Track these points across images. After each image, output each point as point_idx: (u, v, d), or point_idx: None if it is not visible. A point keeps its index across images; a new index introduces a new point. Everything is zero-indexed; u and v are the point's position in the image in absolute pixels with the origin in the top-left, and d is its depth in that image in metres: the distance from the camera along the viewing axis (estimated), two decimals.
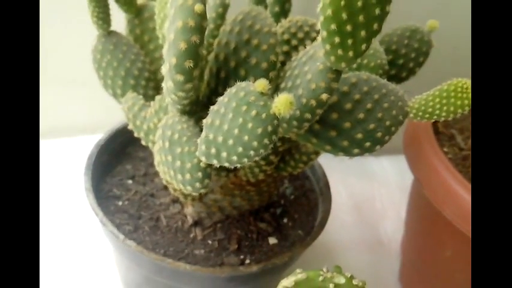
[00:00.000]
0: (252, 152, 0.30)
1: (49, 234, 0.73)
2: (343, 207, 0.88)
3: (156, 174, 0.64)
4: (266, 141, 0.29)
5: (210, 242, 0.56)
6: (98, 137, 0.63)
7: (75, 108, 0.93)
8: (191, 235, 0.56)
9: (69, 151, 0.86)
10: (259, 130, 0.29)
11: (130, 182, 0.62)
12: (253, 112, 0.29)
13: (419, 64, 0.50)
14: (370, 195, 0.92)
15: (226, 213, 0.57)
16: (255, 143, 0.30)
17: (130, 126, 0.49)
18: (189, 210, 0.57)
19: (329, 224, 0.61)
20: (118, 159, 0.64)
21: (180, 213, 0.58)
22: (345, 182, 0.91)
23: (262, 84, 0.28)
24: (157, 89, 0.57)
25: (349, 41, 0.27)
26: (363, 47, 0.28)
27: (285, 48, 0.41)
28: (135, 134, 0.49)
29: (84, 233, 0.74)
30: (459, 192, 0.55)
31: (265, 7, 0.48)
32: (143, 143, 0.50)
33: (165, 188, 0.61)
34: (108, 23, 0.54)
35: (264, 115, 0.28)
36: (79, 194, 0.74)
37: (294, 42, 0.41)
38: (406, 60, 0.49)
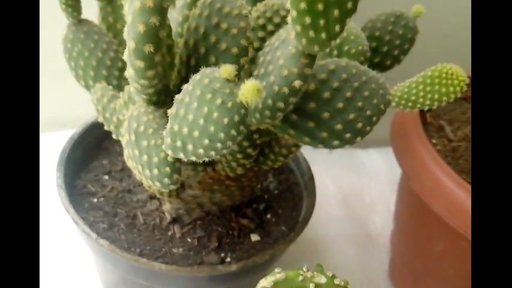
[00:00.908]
0: (218, 144, 0.28)
1: None
2: (330, 200, 0.86)
3: None
4: (233, 132, 0.27)
5: (189, 239, 0.54)
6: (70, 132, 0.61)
7: (54, 103, 0.90)
8: (169, 233, 0.54)
9: (48, 146, 0.83)
10: (226, 120, 0.26)
11: (106, 177, 0.59)
12: (219, 100, 0.26)
13: (405, 51, 0.48)
14: (359, 189, 0.90)
15: (205, 209, 0.55)
16: (221, 135, 0.27)
17: (99, 119, 0.46)
18: (166, 207, 0.54)
19: (316, 218, 0.58)
20: (94, 154, 0.62)
21: (158, 210, 0.56)
22: (332, 174, 0.89)
23: (227, 69, 0.26)
24: None
25: (321, 22, 0.25)
26: (337, 28, 0.26)
27: (261, 34, 0.38)
28: (105, 127, 0.47)
29: (61, 231, 0.71)
30: (448, 185, 0.53)
31: None
32: (114, 136, 0.47)
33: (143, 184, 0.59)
34: (78, 10, 0.51)
35: (230, 104, 0.26)
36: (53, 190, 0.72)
37: (270, 27, 0.38)
38: (390, 48, 0.47)
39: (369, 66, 0.39)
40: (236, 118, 0.26)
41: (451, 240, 0.57)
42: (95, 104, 0.46)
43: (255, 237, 0.56)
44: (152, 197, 0.57)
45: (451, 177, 0.53)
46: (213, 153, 0.29)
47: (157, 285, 0.51)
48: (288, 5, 0.40)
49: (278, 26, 0.38)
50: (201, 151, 0.29)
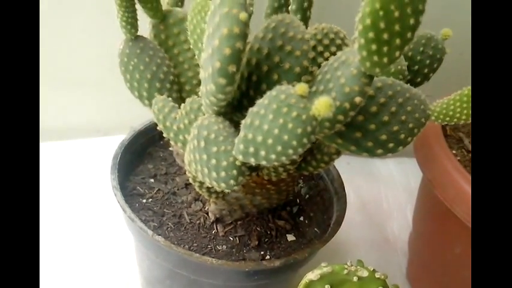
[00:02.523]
0: (290, 151, 0.33)
1: (66, 234, 0.75)
2: (351, 207, 0.90)
3: (177, 173, 0.66)
4: (305, 140, 0.32)
5: (231, 238, 0.59)
6: (111, 138, 0.65)
7: (88, 110, 0.95)
8: (213, 231, 0.59)
9: (84, 152, 0.88)
10: (299, 130, 0.31)
11: (152, 180, 0.64)
12: (294, 113, 0.31)
13: (433, 70, 0.53)
14: (377, 196, 0.95)
15: (246, 211, 0.60)
16: (294, 142, 0.32)
17: (159, 127, 0.51)
18: (211, 207, 0.59)
19: None
20: (140, 159, 0.67)
21: (201, 210, 0.61)
22: (352, 183, 0.94)
23: (302, 87, 0.31)
24: (180, 92, 0.60)
25: (385, 49, 0.30)
26: (397, 54, 0.31)
27: (312, 54, 0.43)
28: (165, 135, 0.52)
29: (105, 229, 0.76)
30: (469, 191, 0.58)
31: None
32: (172, 143, 0.52)
33: (186, 186, 0.64)
34: (135, 27, 0.56)
35: (304, 116, 0.31)
36: (97, 193, 0.77)
37: (320, 48, 0.44)
38: (421, 66, 0.52)
39: None
40: (309, 129, 0.31)
41: (470, 243, 0.62)
42: (156, 113, 0.51)
43: (290, 237, 0.60)
44: (196, 199, 0.62)
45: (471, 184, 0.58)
46: (284, 158, 0.34)
47: (204, 278, 0.56)
48: (336, 29, 0.45)
49: (327, 47, 0.44)
50: (273, 156, 0.34)
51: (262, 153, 0.35)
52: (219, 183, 0.41)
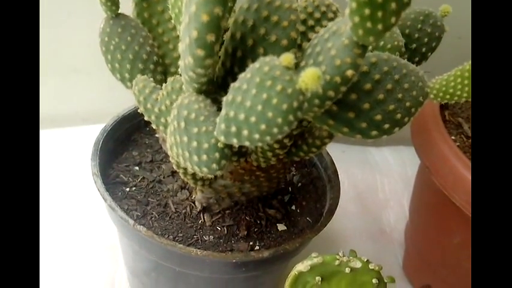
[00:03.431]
0: (275, 129, 0.30)
1: (50, 222, 0.72)
2: (346, 196, 0.87)
3: (163, 161, 0.63)
4: (291, 117, 0.29)
5: (218, 228, 0.56)
6: (100, 126, 0.62)
7: (77, 98, 0.92)
8: (200, 221, 0.56)
9: (71, 140, 0.85)
10: (285, 106, 0.28)
11: (137, 168, 0.61)
12: (279, 87, 0.28)
13: (432, 49, 0.50)
14: (373, 185, 0.92)
15: (235, 199, 0.57)
16: (279, 120, 0.29)
17: (140, 109, 0.48)
18: (197, 196, 0.56)
19: None
20: (124, 145, 0.64)
21: (188, 199, 0.58)
22: (347, 172, 0.92)
23: (288, 58, 0.28)
24: (165, 74, 0.56)
25: (379, 13, 0.27)
26: (393, 20, 0.28)
27: (302, 28, 0.40)
28: (146, 117, 0.49)
29: (89, 222, 0.73)
30: (469, 178, 0.55)
31: None
32: (154, 126, 0.49)
33: (173, 174, 0.61)
34: (116, 5, 0.52)
35: (290, 90, 0.28)
36: (84, 180, 0.74)
37: (311, 22, 0.40)
38: (419, 45, 0.49)
39: None
40: (295, 104, 0.28)
41: (470, 233, 0.59)
42: (136, 95, 0.48)
43: (281, 227, 0.58)
44: (182, 187, 0.59)
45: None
46: (268, 138, 0.31)
47: (190, 271, 0.53)
48: (328, 1, 0.42)
49: (318, 21, 0.40)
50: (256, 136, 0.31)
51: (245, 132, 0.31)
52: (200, 167, 0.38)
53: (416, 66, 0.50)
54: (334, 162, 0.64)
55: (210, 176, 0.39)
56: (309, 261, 0.41)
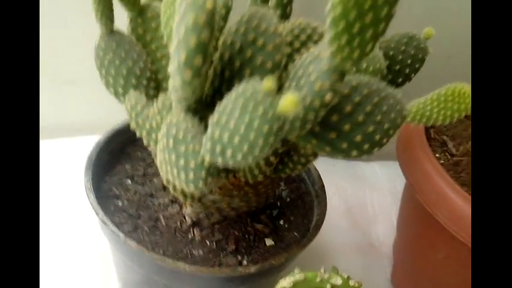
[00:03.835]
0: (257, 150, 0.31)
1: (46, 234, 0.73)
2: (335, 211, 0.89)
3: (155, 174, 0.64)
4: (271, 139, 0.30)
5: (208, 242, 0.57)
6: (96, 137, 0.64)
7: (73, 108, 0.93)
8: (190, 236, 0.57)
9: (67, 151, 0.86)
10: (266, 128, 0.30)
11: (129, 181, 0.63)
12: (260, 110, 0.30)
13: (415, 70, 0.52)
14: (362, 200, 0.93)
15: (224, 214, 0.58)
16: (260, 141, 0.31)
17: (132, 125, 0.50)
18: (188, 210, 0.58)
19: (321, 227, 0.62)
20: (117, 159, 0.65)
21: (178, 213, 0.59)
22: (337, 186, 0.93)
23: (269, 82, 0.29)
24: (158, 89, 0.58)
25: (356, 41, 0.28)
26: (369, 47, 0.29)
27: (288, 50, 0.42)
28: (137, 134, 0.50)
29: (82, 233, 0.74)
30: (451, 196, 0.57)
31: None
32: (145, 142, 0.50)
33: (164, 188, 0.62)
34: (112, 21, 0.54)
35: (270, 113, 0.29)
36: (78, 194, 0.75)
37: (297, 44, 0.42)
38: (402, 66, 0.51)
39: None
40: (275, 127, 0.30)
41: (453, 249, 0.60)
42: (128, 110, 0.50)
43: (269, 242, 0.59)
44: (173, 201, 0.60)
45: (453, 189, 0.57)
46: (250, 158, 0.32)
47: (179, 285, 0.54)
48: (314, 24, 0.44)
49: (304, 43, 0.42)
50: (239, 156, 0.32)
51: (229, 152, 0.33)
52: (188, 185, 0.39)
53: (400, 86, 0.52)
54: (324, 176, 0.66)
55: (197, 193, 0.40)
56: (291, 278, 0.42)
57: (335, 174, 0.93)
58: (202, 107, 0.40)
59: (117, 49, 0.54)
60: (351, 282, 0.43)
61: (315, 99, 0.33)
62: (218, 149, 0.34)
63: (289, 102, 0.28)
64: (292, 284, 0.43)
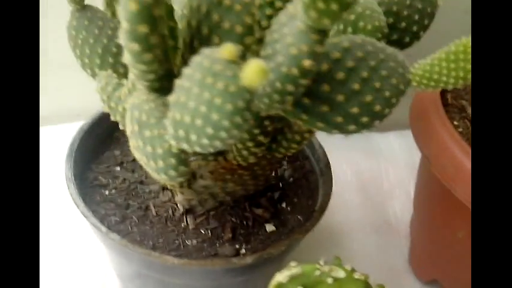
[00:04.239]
0: (223, 134, 0.26)
1: (44, 226, 0.70)
2: (347, 186, 0.83)
3: None
4: (238, 119, 0.25)
5: (202, 231, 0.52)
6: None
7: (69, 94, 0.89)
8: (182, 224, 0.53)
9: (66, 137, 0.83)
10: (229, 106, 0.24)
11: (118, 168, 0.58)
12: (220, 84, 0.24)
13: (424, 27, 0.45)
14: (377, 174, 0.87)
15: (219, 199, 0.53)
16: (225, 122, 0.25)
17: (104, 108, 0.45)
18: (179, 198, 0.53)
19: (333, 205, 0.56)
20: (105, 144, 0.60)
21: (170, 201, 0.54)
22: (349, 160, 0.87)
23: (229, 49, 0.24)
24: None
25: None
26: None
27: (268, 11, 0.36)
28: (111, 117, 0.45)
29: (80, 224, 0.71)
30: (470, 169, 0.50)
31: None
32: (120, 126, 0.45)
33: None
34: None
35: (233, 87, 0.24)
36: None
37: (278, 4, 0.35)
38: (408, 23, 0.44)
39: (386, 44, 0.36)
40: (240, 104, 0.24)
41: None
42: (100, 93, 0.45)
43: (270, 227, 0.54)
44: (164, 188, 0.55)
45: None
46: (218, 143, 0.27)
47: (171, 279, 0.50)
48: None
49: (287, 2, 0.36)
50: (205, 141, 0.27)
51: (193, 137, 0.27)
52: (159, 174, 0.34)
53: (408, 47, 0.45)
54: (334, 149, 0.60)
55: (173, 182, 0.35)
56: (287, 272, 0.37)
57: (347, 147, 0.86)
58: (170, 84, 0.35)
59: (89, 26, 0.49)
60: (356, 275, 0.37)
61: (292, 66, 0.27)
62: (181, 133, 0.28)
63: (253, 71, 0.22)
64: (288, 278, 0.38)
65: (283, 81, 0.28)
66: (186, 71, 0.27)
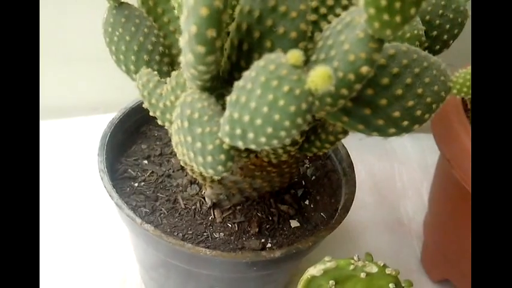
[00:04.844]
0: (283, 133, 0.27)
1: (63, 216, 0.72)
2: (362, 186, 0.85)
3: (172, 154, 0.61)
4: (300, 120, 0.26)
5: (229, 225, 0.54)
6: (110, 116, 0.61)
7: (86, 87, 0.91)
8: (210, 217, 0.54)
9: (81, 130, 0.84)
10: (293, 108, 0.26)
11: (145, 162, 0.60)
12: (286, 88, 0.26)
13: (454, 36, 0.47)
14: (390, 175, 0.89)
15: (245, 195, 0.55)
16: (287, 123, 0.27)
17: (145, 105, 0.46)
18: (207, 192, 0.54)
19: None
20: (132, 138, 0.62)
21: (198, 194, 0.56)
22: (363, 160, 0.89)
23: (295, 55, 0.25)
24: (172, 65, 0.54)
25: (397, 4, 0.24)
26: (412, 11, 0.25)
27: (313, 17, 0.37)
28: (151, 113, 0.47)
29: (99, 213, 0.72)
30: None
31: None
32: (159, 122, 0.47)
33: (182, 168, 0.59)
34: None
35: (297, 91, 0.25)
36: (94, 174, 0.73)
37: (323, 10, 0.37)
38: (440, 32, 0.45)
39: None
40: (304, 106, 0.26)
41: None
42: (140, 89, 0.46)
43: (294, 223, 0.56)
44: (192, 182, 0.57)
45: None
46: (275, 141, 0.28)
47: (199, 269, 0.52)
48: None
49: (331, 9, 0.37)
50: (263, 139, 0.29)
51: (251, 135, 0.29)
52: (206, 168, 0.36)
53: (438, 54, 0.47)
54: (351, 150, 0.61)
55: (216, 176, 0.37)
56: (322, 266, 0.39)
57: (362, 148, 0.88)
58: (218, 84, 0.36)
59: (126, 23, 0.50)
60: (388, 270, 0.39)
61: (348, 72, 0.29)
62: (238, 131, 0.30)
63: (320, 77, 0.24)
64: (322, 272, 0.40)
65: (338, 85, 0.29)
66: (248, 73, 0.29)
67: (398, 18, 0.25)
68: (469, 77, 0.34)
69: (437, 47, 0.46)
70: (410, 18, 0.25)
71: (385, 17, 0.25)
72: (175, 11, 0.43)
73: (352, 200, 0.55)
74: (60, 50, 0.85)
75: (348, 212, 0.54)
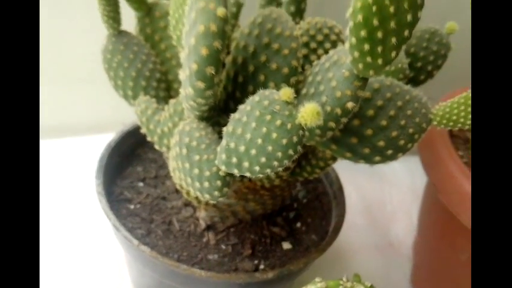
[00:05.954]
0: (275, 163, 0.29)
1: (56, 236, 0.72)
2: (353, 209, 0.87)
3: (167, 176, 0.63)
4: (291, 152, 0.29)
5: (223, 246, 0.55)
6: (104, 136, 0.62)
7: (81, 107, 0.92)
8: (204, 239, 0.56)
9: (76, 150, 0.85)
10: (284, 141, 0.28)
11: (141, 184, 0.61)
12: (278, 122, 0.28)
13: (438, 67, 0.50)
14: (381, 197, 0.91)
15: (239, 217, 0.57)
16: (279, 154, 0.29)
17: (143, 130, 0.48)
18: (202, 214, 0.56)
19: None
20: (128, 160, 0.64)
21: (192, 216, 0.58)
22: (355, 183, 0.91)
23: (287, 92, 0.28)
24: (168, 90, 0.56)
25: (379, 48, 0.26)
26: (393, 54, 0.27)
27: (304, 51, 0.40)
28: (148, 138, 0.49)
29: (93, 234, 0.73)
30: None
31: (277, 5, 0.47)
32: (157, 147, 0.49)
33: (177, 191, 0.60)
34: (118, 22, 0.53)
35: (289, 125, 0.28)
36: (89, 195, 0.74)
37: (313, 45, 0.40)
38: (424, 63, 0.48)
39: (405, 82, 0.40)
40: (295, 139, 0.28)
41: None
42: (139, 115, 0.48)
43: (286, 245, 0.57)
44: (186, 204, 0.59)
45: None
46: (268, 170, 0.30)
47: None
48: (331, 23, 0.41)
49: (321, 44, 0.40)
50: (257, 168, 0.31)
51: (246, 164, 0.31)
52: (203, 193, 0.38)
53: (422, 84, 0.49)
54: (341, 172, 0.64)
55: (212, 201, 0.39)
56: (312, 286, 0.41)
57: (352, 171, 0.90)
58: (215, 113, 0.39)
59: (125, 51, 0.52)
60: None
61: (335, 107, 0.31)
62: (234, 160, 0.32)
63: (309, 113, 0.26)
64: None
65: (326, 118, 0.32)
66: (243, 107, 0.31)
67: (380, 61, 0.27)
68: (448, 109, 0.36)
69: (422, 77, 0.49)
70: (391, 60, 0.27)
71: (368, 59, 0.27)
72: (174, 41, 0.45)
73: (342, 222, 0.57)
74: (54, 71, 0.87)
75: (338, 234, 0.56)
